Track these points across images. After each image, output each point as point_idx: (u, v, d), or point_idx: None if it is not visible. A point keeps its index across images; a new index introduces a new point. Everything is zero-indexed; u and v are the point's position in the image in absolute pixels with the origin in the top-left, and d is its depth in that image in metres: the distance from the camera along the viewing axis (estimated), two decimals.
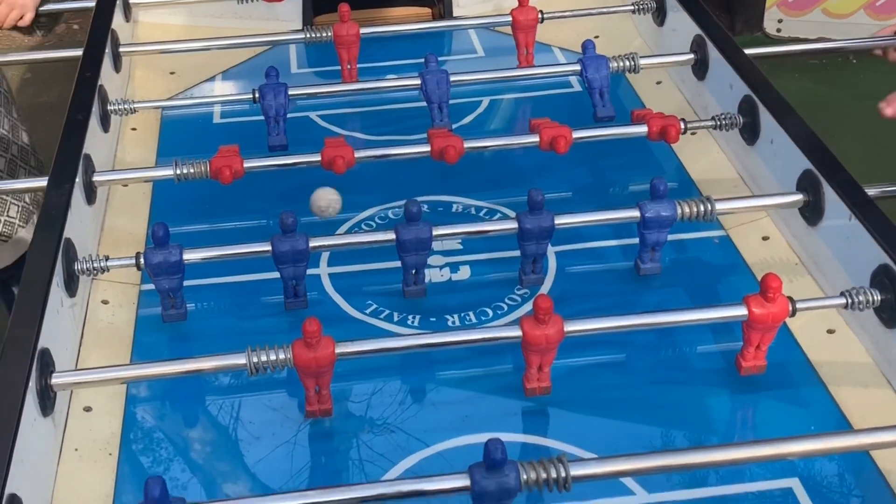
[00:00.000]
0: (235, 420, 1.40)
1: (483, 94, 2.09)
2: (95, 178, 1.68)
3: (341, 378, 1.37)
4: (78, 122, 1.72)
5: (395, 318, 1.54)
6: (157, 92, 2.14)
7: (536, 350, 1.33)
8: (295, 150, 1.77)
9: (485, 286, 1.60)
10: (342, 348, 1.32)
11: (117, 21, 2.10)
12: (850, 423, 1.34)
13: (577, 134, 1.70)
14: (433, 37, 2.32)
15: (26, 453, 1.18)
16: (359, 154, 1.68)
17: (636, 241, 1.58)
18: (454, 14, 2.38)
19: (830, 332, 1.48)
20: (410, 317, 1.54)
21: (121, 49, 2.05)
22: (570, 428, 1.35)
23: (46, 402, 1.28)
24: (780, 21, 3.02)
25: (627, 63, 1.90)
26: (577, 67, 1.89)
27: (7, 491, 1.10)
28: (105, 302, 1.58)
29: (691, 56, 1.96)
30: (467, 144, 1.68)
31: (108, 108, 1.87)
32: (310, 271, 1.53)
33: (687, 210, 1.54)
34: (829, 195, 1.52)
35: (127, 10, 2.23)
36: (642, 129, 1.73)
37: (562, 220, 1.53)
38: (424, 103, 1.85)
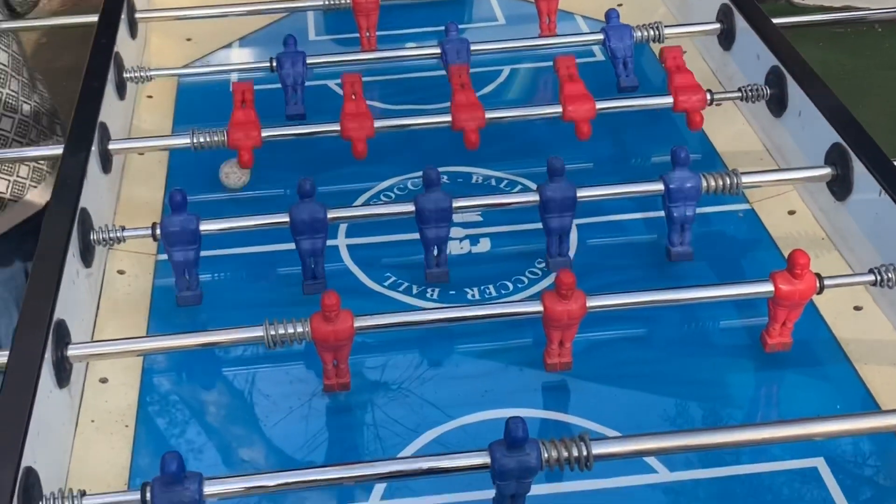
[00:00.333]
0: (252, 393, 1.39)
1: (504, 63, 2.06)
2: (111, 146, 1.67)
3: (359, 351, 1.36)
4: (93, 89, 1.70)
5: (414, 291, 1.52)
6: (174, 59, 2.12)
7: (558, 326, 1.31)
8: (313, 119, 1.75)
9: (505, 259, 1.58)
10: (361, 322, 1.30)
11: None
12: (876, 402, 1.32)
13: (600, 105, 1.67)
14: (453, 4, 2.28)
15: (42, 426, 1.17)
16: (378, 123, 1.66)
17: (660, 213, 1.55)
18: None
19: (857, 308, 1.46)
20: (430, 290, 1.52)
21: (137, 15, 2.03)
22: (591, 403, 1.33)
23: (62, 374, 1.27)
24: None
25: (651, 32, 1.86)
26: (601, 37, 1.85)
27: (23, 464, 1.09)
28: (121, 272, 1.57)
29: (717, 25, 1.92)
30: (488, 115, 1.65)
31: (124, 75, 1.85)
32: (328, 243, 1.51)
33: (713, 183, 1.51)
34: (859, 169, 1.49)
35: None
36: (668, 101, 1.70)
37: (584, 193, 1.50)
38: (444, 72, 1.82)
